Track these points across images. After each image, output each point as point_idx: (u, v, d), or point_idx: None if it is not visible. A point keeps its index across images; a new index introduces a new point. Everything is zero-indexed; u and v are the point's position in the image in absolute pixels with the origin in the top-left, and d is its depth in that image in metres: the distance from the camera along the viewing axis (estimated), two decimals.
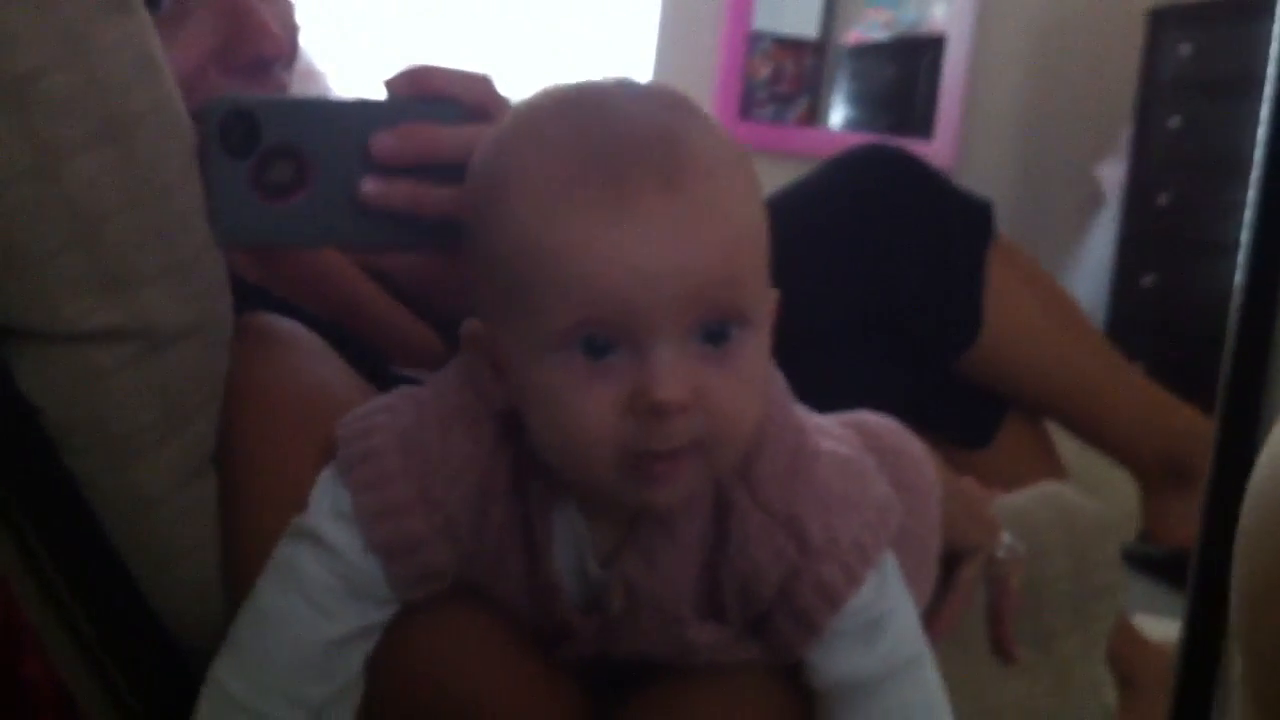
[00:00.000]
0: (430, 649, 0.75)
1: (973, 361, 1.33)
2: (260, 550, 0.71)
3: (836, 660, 0.72)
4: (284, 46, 0.84)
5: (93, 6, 0.68)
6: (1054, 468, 1.43)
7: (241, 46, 0.81)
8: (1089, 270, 3.16)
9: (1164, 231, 2.99)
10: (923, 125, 3.36)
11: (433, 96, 0.77)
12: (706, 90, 3.15)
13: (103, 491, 0.72)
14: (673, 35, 3.12)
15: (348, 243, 0.85)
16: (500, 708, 0.75)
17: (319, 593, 0.69)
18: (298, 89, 0.90)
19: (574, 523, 0.71)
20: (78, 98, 0.67)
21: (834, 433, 0.76)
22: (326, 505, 0.70)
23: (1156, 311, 2.98)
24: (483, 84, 0.78)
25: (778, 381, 0.73)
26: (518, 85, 0.75)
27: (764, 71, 3.26)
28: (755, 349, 0.64)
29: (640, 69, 3.07)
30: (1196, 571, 0.93)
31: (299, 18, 0.88)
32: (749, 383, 0.64)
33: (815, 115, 3.40)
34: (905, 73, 3.47)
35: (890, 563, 0.73)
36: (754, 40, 3.23)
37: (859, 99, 3.48)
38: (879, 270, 1.30)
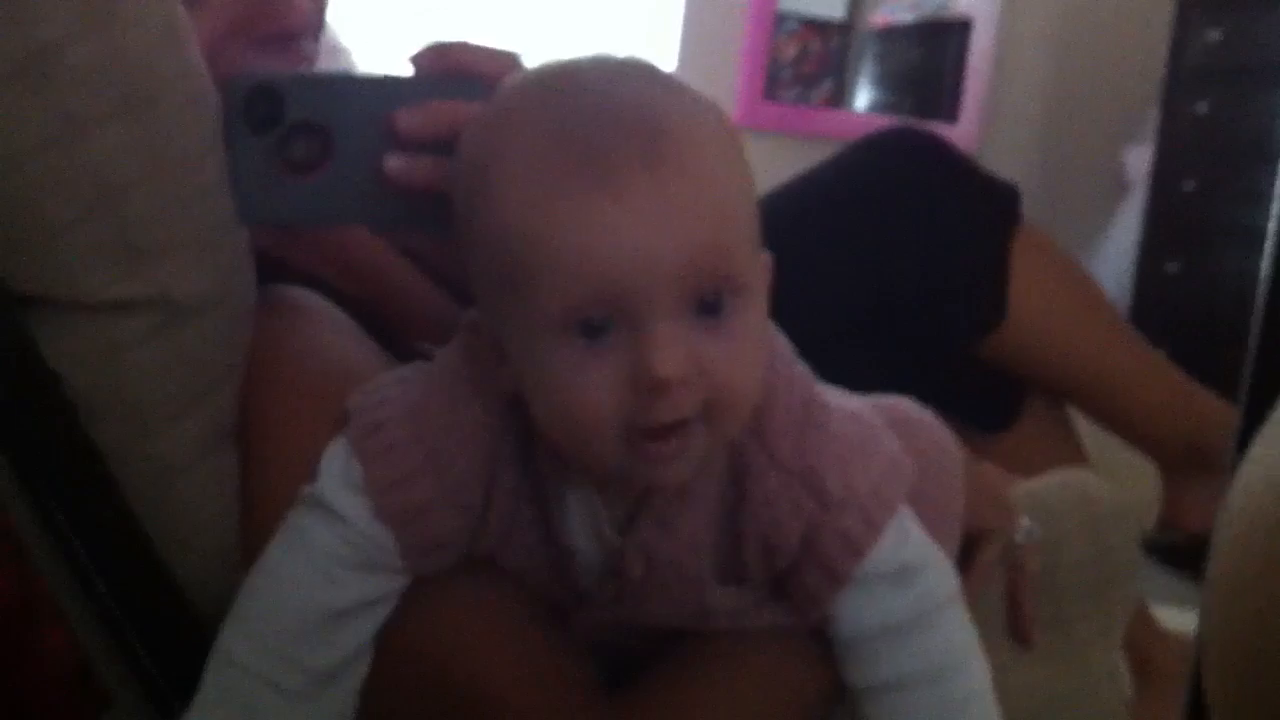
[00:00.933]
0: (433, 629, 0.75)
1: (995, 346, 1.33)
2: (279, 521, 0.72)
3: (868, 607, 0.72)
4: (310, 19, 0.84)
5: None
6: (1075, 453, 1.43)
7: (267, 19, 0.81)
8: (1113, 256, 3.14)
9: (1189, 218, 2.97)
10: (948, 109, 3.35)
11: (458, 74, 0.76)
12: (731, 71, 3.13)
13: (124, 461, 0.73)
14: (699, 15, 3.11)
15: (370, 220, 0.85)
16: (500, 689, 0.75)
17: (326, 560, 0.70)
18: (323, 65, 0.90)
19: (586, 491, 0.71)
20: (101, 69, 0.67)
21: (841, 396, 0.76)
22: (337, 475, 0.70)
23: (1181, 298, 2.97)
24: (509, 61, 0.77)
25: (780, 341, 0.73)
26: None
27: (790, 52, 3.25)
28: (752, 316, 0.64)
29: (665, 49, 3.06)
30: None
31: None
32: (748, 351, 0.63)
33: (840, 97, 3.38)
34: (931, 56, 3.46)
35: (908, 513, 0.73)
36: (780, 21, 3.21)
37: (884, 81, 3.46)
38: (904, 253, 1.29)
